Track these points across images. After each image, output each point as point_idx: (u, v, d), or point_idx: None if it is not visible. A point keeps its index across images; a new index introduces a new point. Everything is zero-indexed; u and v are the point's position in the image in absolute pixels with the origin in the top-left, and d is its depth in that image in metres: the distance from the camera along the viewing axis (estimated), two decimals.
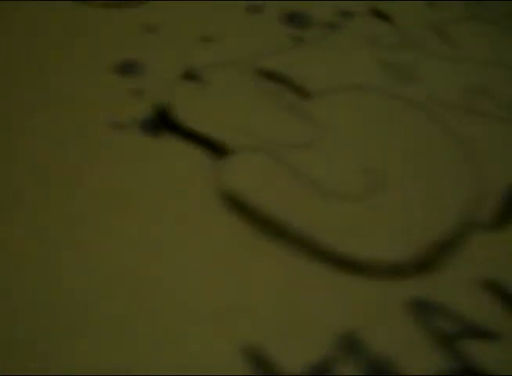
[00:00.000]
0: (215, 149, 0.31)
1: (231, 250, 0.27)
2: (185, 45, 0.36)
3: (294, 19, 0.38)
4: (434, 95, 0.34)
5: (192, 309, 0.25)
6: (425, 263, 0.27)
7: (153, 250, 0.27)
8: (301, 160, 0.30)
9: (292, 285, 0.26)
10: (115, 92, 0.33)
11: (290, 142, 0.31)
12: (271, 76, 0.34)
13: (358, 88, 0.34)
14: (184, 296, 0.25)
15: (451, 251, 0.27)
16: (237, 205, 0.28)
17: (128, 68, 0.34)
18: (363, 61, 0.36)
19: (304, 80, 0.34)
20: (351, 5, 0.40)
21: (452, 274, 0.26)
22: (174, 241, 0.27)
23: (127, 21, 0.38)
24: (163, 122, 0.32)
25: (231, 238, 0.27)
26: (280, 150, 0.30)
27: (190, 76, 0.34)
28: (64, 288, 0.25)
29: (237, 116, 0.32)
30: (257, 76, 0.34)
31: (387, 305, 0.25)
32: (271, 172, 0.29)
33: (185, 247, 0.27)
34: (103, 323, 0.24)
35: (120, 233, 0.27)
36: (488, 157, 0.31)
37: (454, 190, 0.29)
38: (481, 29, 0.39)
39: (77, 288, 0.26)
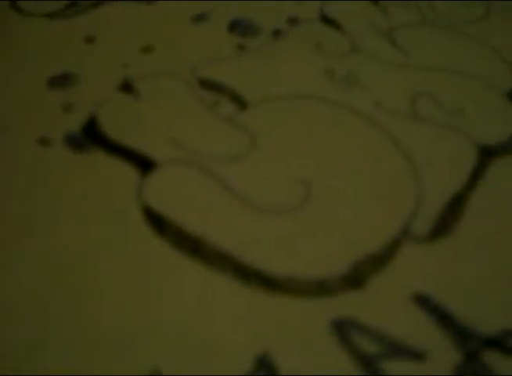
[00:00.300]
0: (143, 163, 0.29)
1: (146, 268, 0.26)
2: (125, 56, 0.35)
3: (240, 28, 0.37)
4: (381, 103, 0.33)
5: (104, 330, 0.24)
6: (353, 279, 0.25)
7: (75, 269, 0.25)
8: (231, 174, 0.29)
9: (207, 305, 0.24)
10: (47, 106, 0.32)
11: (221, 155, 0.29)
12: (209, 86, 0.33)
13: (300, 97, 0.33)
14: (99, 315, 0.24)
15: (381, 265, 0.26)
16: (159, 223, 0.27)
17: (62, 81, 0.33)
18: (308, 69, 0.35)
19: (243, 89, 0.33)
20: (299, 11, 0.38)
21: (381, 290, 0.25)
22: (95, 260, 0.26)
23: (67, 32, 0.37)
24: (91, 136, 0.30)
25: (149, 255, 0.26)
26: (210, 163, 0.29)
27: (125, 88, 0.33)
28: None
29: (168, 128, 0.31)
30: (196, 86, 0.33)
31: (310, 325, 0.24)
32: (196, 187, 0.28)
33: (107, 266, 0.26)
34: None
35: (39, 253, 0.26)
36: (431, 167, 0.30)
37: (392, 202, 0.28)
38: (432, 35, 0.37)
39: None
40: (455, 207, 0.28)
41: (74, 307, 0.24)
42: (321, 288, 0.25)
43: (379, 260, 0.26)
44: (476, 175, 0.30)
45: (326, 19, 0.38)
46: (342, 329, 0.24)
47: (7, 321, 0.24)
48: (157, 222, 0.27)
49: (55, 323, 0.24)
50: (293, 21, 0.38)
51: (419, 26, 0.38)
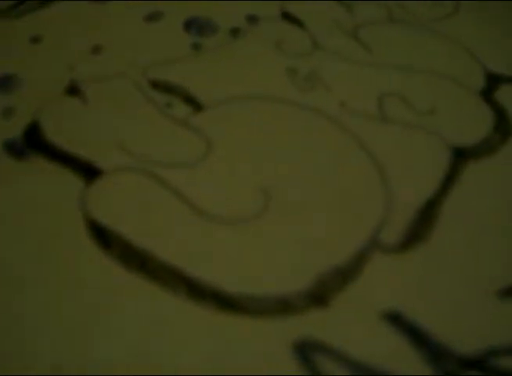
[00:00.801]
0: (88, 171, 0.27)
1: (89, 287, 0.23)
2: (72, 57, 0.32)
3: (196, 27, 0.34)
4: (347, 105, 0.30)
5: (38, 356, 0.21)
6: (317, 296, 0.23)
7: (12, 287, 0.23)
8: (184, 181, 0.26)
9: (157, 329, 0.22)
10: None
11: (173, 161, 0.27)
12: (162, 87, 0.30)
13: (260, 98, 0.30)
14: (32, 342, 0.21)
15: (348, 280, 0.23)
16: (102, 234, 0.24)
17: (2, 84, 0.30)
18: (268, 69, 0.32)
19: (198, 91, 0.30)
20: (258, 9, 0.36)
21: (348, 307, 0.22)
22: (32, 277, 0.23)
23: (11, 32, 0.34)
24: (31, 143, 0.27)
25: (93, 272, 0.23)
26: (161, 170, 0.26)
27: (71, 91, 0.30)
28: None
29: (115, 132, 0.28)
30: (148, 88, 0.30)
31: (269, 348, 0.21)
32: (145, 196, 0.26)
33: (45, 284, 0.23)
34: None
35: None
36: (402, 172, 0.27)
37: (360, 211, 0.26)
38: (400, 33, 0.35)
39: None
40: (427, 214, 0.26)
41: (11, 333, 0.22)
42: (282, 307, 0.22)
43: (345, 274, 0.23)
44: (449, 179, 0.27)
45: (288, 17, 0.35)
46: (305, 351, 0.21)
47: None
48: (102, 235, 0.24)
49: None
50: (252, 19, 0.35)
51: (385, 24, 0.36)
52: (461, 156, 0.29)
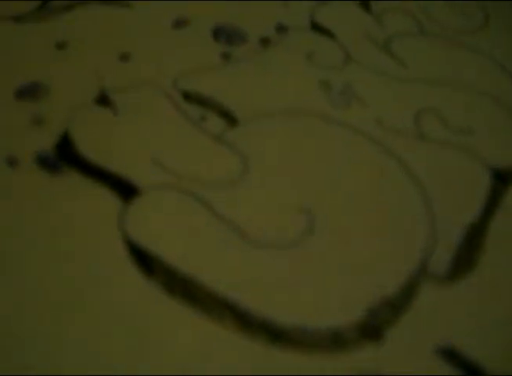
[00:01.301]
0: (123, 187, 0.26)
1: (133, 314, 0.22)
2: (100, 65, 0.31)
3: (224, 35, 0.33)
4: (383, 121, 0.30)
5: None
6: (370, 328, 0.22)
7: (48, 317, 0.22)
8: (223, 201, 0.25)
9: (204, 358, 0.21)
10: (14, 120, 0.28)
11: (211, 179, 0.26)
12: (194, 99, 0.30)
13: (295, 113, 0.30)
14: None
15: (399, 311, 0.22)
16: (144, 258, 0.23)
17: (31, 92, 0.29)
18: (301, 81, 0.31)
19: (231, 104, 0.29)
20: (288, 18, 0.35)
21: (401, 341, 0.22)
22: (71, 306, 0.22)
23: (36, 37, 0.33)
24: (64, 156, 0.27)
25: (134, 299, 0.22)
26: (199, 189, 0.26)
27: (101, 100, 0.29)
28: None
29: (151, 148, 0.27)
30: (179, 99, 0.30)
31: None
32: (185, 217, 0.25)
33: (85, 312, 0.22)
34: None
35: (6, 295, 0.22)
36: (443, 194, 0.27)
37: (405, 235, 0.25)
38: (431, 46, 0.34)
39: None
40: (474, 240, 0.25)
41: (50, 360, 0.21)
42: (334, 340, 0.21)
43: (396, 305, 0.22)
44: (491, 203, 0.27)
45: (317, 28, 0.35)
46: None
47: None
48: (143, 258, 0.23)
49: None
50: (281, 28, 0.34)
51: (416, 36, 0.35)
52: (501, 178, 0.28)
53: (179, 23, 0.34)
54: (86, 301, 0.23)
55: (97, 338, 0.22)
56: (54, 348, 0.21)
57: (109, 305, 0.22)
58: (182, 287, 0.23)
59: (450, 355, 0.22)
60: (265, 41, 0.34)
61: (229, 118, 0.29)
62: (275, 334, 0.22)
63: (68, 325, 0.22)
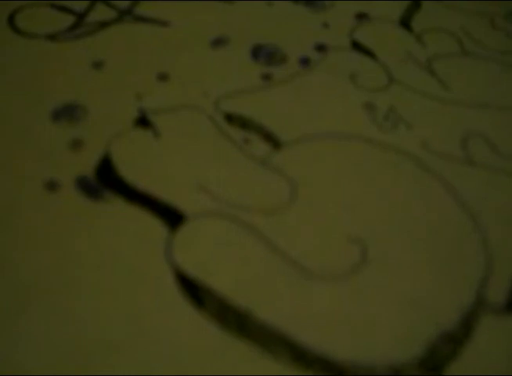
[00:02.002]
0: (168, 214, 0.25)
1: (189, 349, 0.21)
2: (138, 85, 0.30)
3: (264, 55, 0.33)
4: (429, 144, 0.29)
5: None
6: (430, 364, 0.21)
7: (96, 357, 0.21)
8: (271, 229, 0.24)
9: None
10: (52, 143, 0.28)
11: (259, 206, 0.25)
12: (236, 121, 0.29)
13: (340, 136, 0.29)
14: None
15: (459, 345, 0.21)
16: (193, 288, 0.22)
17: (67, 114, 0.29)
18: (344, 103, 0.31)
19: (275, 126, 0.28)
20: (328, 37, 0.34)
21: None
22: (121, 340, 0.21)
23: (71, 56, 0.32)
24: (105, 181, 0.26)
25: (186, 331, 0.21)
26: (247, 216, 0.25)
27: (141, 122, 0.28)
28: None
29: (195, 172, 0.26)
30: (221, 122, 0.29)
31: None
32: (234, 245, 0.24)
33: (134, 347, 0.21)
34: None
35: (49, 334, 0.21)
36: (495, 221, 0.26)
37: (461, 266, 0.24)
38: (474, 67, 0.34)
39: None
40: None
41: None
42: None
43: (455, 339, 0.21)
44: None
45: (358, 47, 0.34)
46: None
47: None
48: (193, 289, 0.22)
49: None
50: (322, 48, 0.34)
51: (458, 56, 0.34)
52: None
53: (218, 42, 0.34)
54: (134, 335, 0.22)
55: (145, 367, 0.21)
56: None
57: (159, 339, 0.21)
58: (236, 320, 0.22)
59: None
60: (305, 62, 0.33)
61: (273, 141, 0.28)
62: (331, 370, 0.21)
63: (117, 354, 0.21)
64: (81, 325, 0.22)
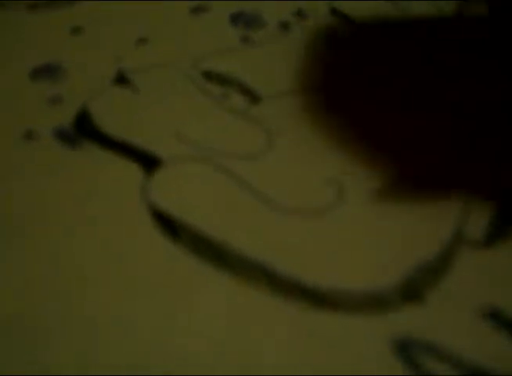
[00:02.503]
0: (145, 160, 0.25)
1: (167, 282, 0.21)
2: (117, 48, 0.30)
3: (243, 20, 0.33)
4: None
5: (127, 355, 0.19)
6: (409, 291, 0.21)
7: (76, 289, 0.21)
8: (247, 172, 0.24)
9: (243, 324, 0.20)
10: (32, 99, 0.27)
11: (235, 152, 0.25)
12: (215, 78, 0.29)
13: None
14: (107, 340, 0.20)
15: (438, 274, 0.21)
16: (169, 224, 0.22)
17: (48, 73, 0.29)
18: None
19: (253, 82, 0.28)
20: (307, 4, 0.34)
21: (442, 303, 0.21)
22: (101, 274, 0.21)
23: (52, 24, 0.32)
24: (82, 131, 0.26)
25: (167, 267, 0.21)
26: (224, 160, 0.25)
27: (119, 80, 0.28)
28: None
29: (172, 122, 0.26)
30: (199, 79, 0.29)
31: (367, 347, 0.19)
32: (211, 186, 0.24)
33: (115, 280, 0.21)
34: None
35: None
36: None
37: (443, 199, 0.24)
38: None
39: None
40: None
41: (76, 332, 0.20)
42: (375, 303, 0.20)
43: (435, 269, 0.21)
44: None
45: (337, 13, 0.34)
46: (406, 350, 0.19)
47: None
48: (171, 226, 0.22)
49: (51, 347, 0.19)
50: (301, 15, 0.34)
51: None
52: None
53: (198, 10, 0.34)
54: (111, 270, 0.22)
55: (121, 300, 0.21)
56: (76, 312, 0.20)
57: (135, 268, 0.21)
58: (212, 251, 0.22)
59: (493, 316, 0.20)
60: (284, 27, 0.33)
61: (252, 96, 0.28)
62: (313, 298, 0.21)
63: (93, 288, 0.21)
64: (55, 259, 0.22)
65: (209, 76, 0.29)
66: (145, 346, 0.20)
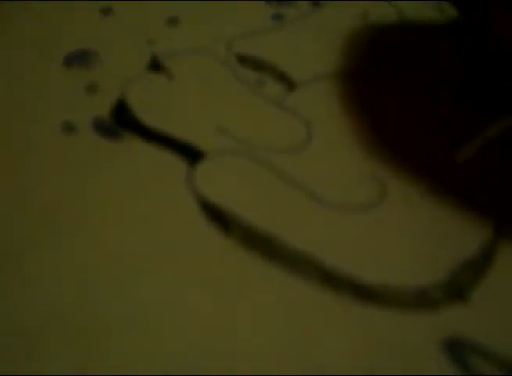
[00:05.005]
0: (187, 152, 0.25)
1: (216, 273, 0.21)
2: (148, 30, 0.30)
3: None
4: None
5: (177, 352, 0.20)
6: (455, 288, 0.21)
7: (127, 274, 0.21)
8: (289, 165, 0.24)
9: (295, 319, 0.20)
10: (66, 88, 0.27)
11: (275, 144, 0.25)
12: (249, 63, 0.29)
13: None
14: (167, 336, 0.20)
15: (481, 272, 0.22)
16: (218, 216, 0.23)
17: (81, 59, 0.28)
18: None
19: (288, 67, 0.28)
20: None
21: (486, 302, 0.21)
22: (150, 263, 0.22)
23: (79, 5, 0.32)
24: (122, 123, 0.26)
25: (219, 260, 0.22)
26: (266, 154, 0.25)
27: (153, 66, 0.28)
28: None
29: (211, 112, 0.26)
30: (234, 64, 0.29)
31: (415, 343, 0.20)
32: (254, 179, 0.24)
33: (162, 269, 0.21)
34: None
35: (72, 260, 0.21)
36: None
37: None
38: None
39: None
40: None
41: (132, 321, 0.20)
42: (420, 299, 0.21)
43: (476, 267, 0.22)
44: None
45: None
46: (455, 348, 0.20)
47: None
48: (222, 219, 0.23)
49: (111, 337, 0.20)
50: None
51: None
52: None
53: None
54: (163, 262, 0.22)
55: (172, 295, 0.21)
56: (132, 309, 0.21)
57: (185, 262, 0.22)
58: (262, 245, 0.22)
59: None
60: (315, 3, 0.33)
61: (287, 82, 0.28)
62: (359, 292, 0.21)
63: (144, 285, 0.21)
64: (107, 250, 0.22)
65: (243, 60, 0.29)
66: (207, 338, 0.20)
